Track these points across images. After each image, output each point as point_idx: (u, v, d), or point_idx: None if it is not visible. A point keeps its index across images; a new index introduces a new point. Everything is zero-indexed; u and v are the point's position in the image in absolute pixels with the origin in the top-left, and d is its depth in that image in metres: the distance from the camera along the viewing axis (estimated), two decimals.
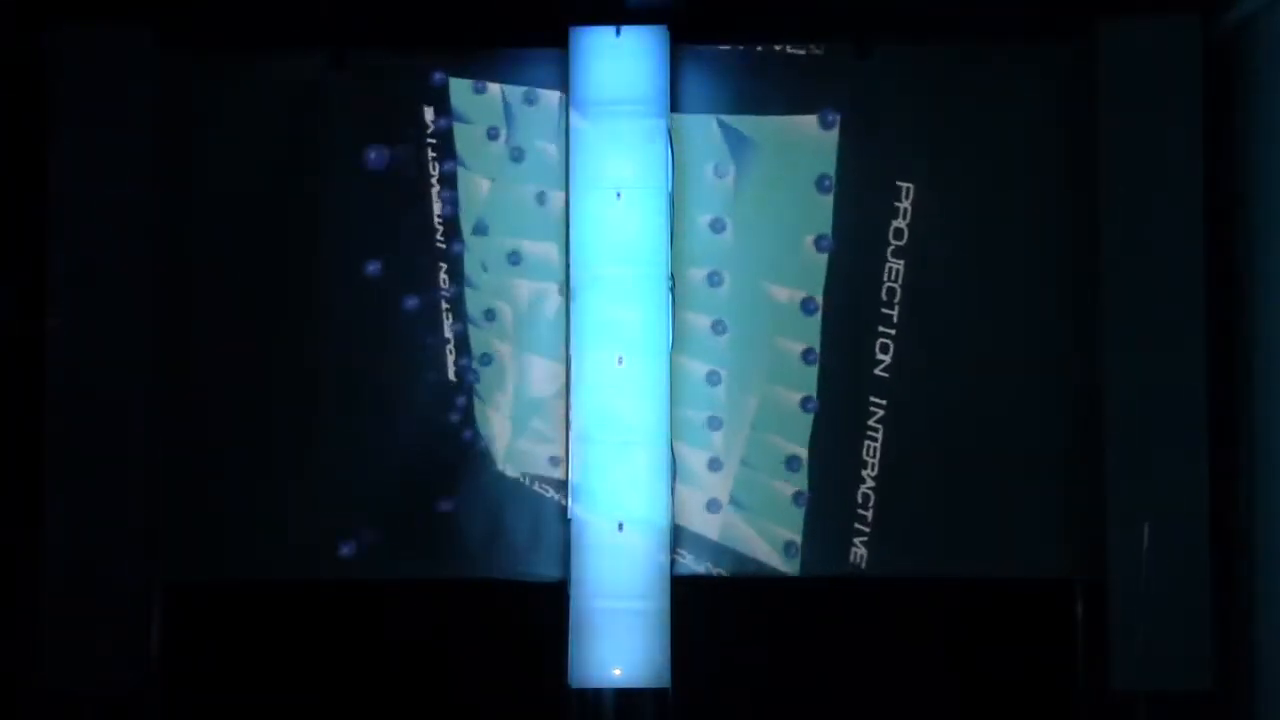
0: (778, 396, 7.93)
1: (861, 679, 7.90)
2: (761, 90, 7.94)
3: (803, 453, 7.89)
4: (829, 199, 7.91)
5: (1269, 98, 7.47)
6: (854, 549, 7.86)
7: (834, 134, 7.91)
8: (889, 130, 7.91)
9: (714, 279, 7.94)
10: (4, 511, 7.78)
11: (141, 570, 7.64)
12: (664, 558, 7.70)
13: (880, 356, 7.88)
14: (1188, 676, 7.50)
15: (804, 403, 7.91)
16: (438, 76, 8.00)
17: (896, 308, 7.88)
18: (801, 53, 7.92)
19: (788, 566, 7.88)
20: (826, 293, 7.92)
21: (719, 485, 7.91)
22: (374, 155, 7.96)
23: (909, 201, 7.88)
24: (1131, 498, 7.54)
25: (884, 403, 7.85)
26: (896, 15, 7.92)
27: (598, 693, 7.67)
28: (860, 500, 7.86)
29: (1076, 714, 7.78)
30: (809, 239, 7.92)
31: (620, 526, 7.70)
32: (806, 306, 7.92)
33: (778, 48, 7.93)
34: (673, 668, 7.61)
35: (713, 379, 7.95)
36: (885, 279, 7.89)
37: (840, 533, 7.86)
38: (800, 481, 7.88)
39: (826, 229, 7.91)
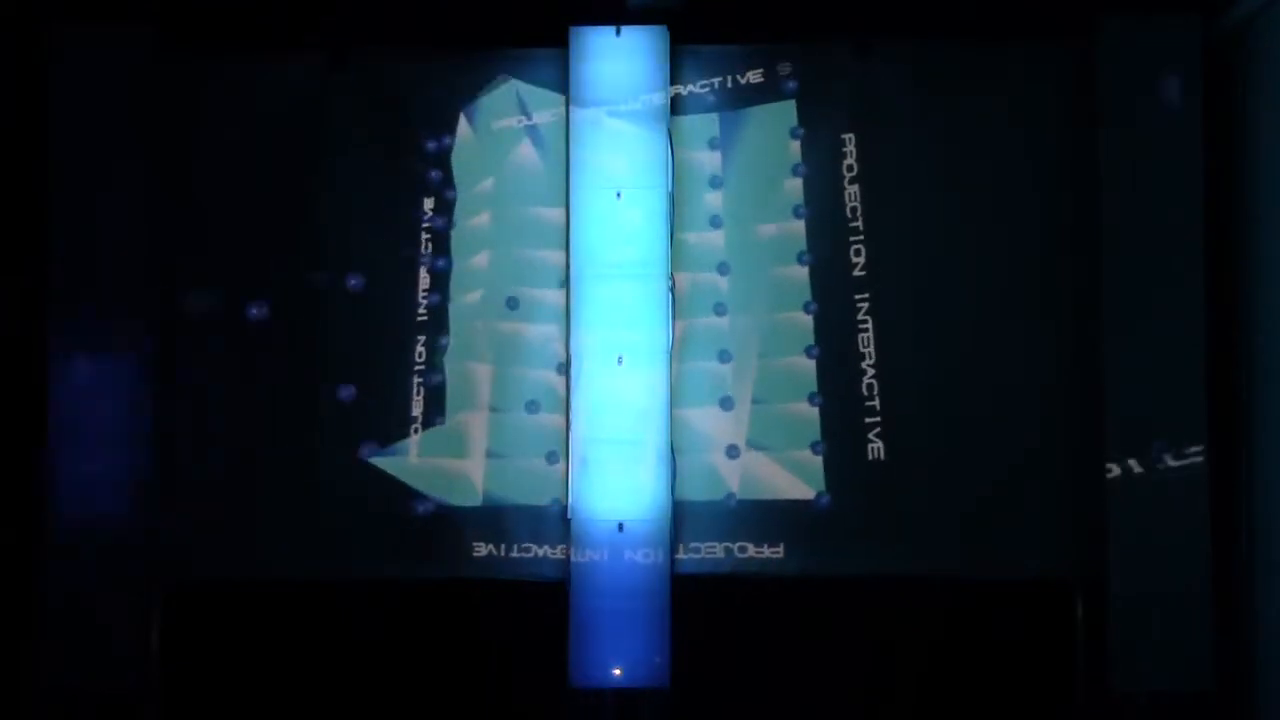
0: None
1: (861, 678, 7.90)
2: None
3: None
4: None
5: (1269, 98, 7.47)
6: (870, 444, 7.84)
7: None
8: (890, 129, 7.93)
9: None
10: (4, 511, 7.78)
11: (141, 570, 7.66)
12: (665, 558, 7.70)
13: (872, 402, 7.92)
14: (1188, 676, 7.51)
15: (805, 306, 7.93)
16: (437, 76, 8.02)
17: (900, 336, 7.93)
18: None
19: (811, 484, 7.85)
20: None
21: (734, 428, 7.89)
22: (373, 155, 7.98)
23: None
24: (1131, 498, 7.55)
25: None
26: (896, 15, 7.92)
27: (598, 693, 7.67)
28: (867, 392, 7.85)
29: (1076, 714, 7.78)
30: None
31: (620, 527, 7.70)
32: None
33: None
34: (673, 668, 7.62)
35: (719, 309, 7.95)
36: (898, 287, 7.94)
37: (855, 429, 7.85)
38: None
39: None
